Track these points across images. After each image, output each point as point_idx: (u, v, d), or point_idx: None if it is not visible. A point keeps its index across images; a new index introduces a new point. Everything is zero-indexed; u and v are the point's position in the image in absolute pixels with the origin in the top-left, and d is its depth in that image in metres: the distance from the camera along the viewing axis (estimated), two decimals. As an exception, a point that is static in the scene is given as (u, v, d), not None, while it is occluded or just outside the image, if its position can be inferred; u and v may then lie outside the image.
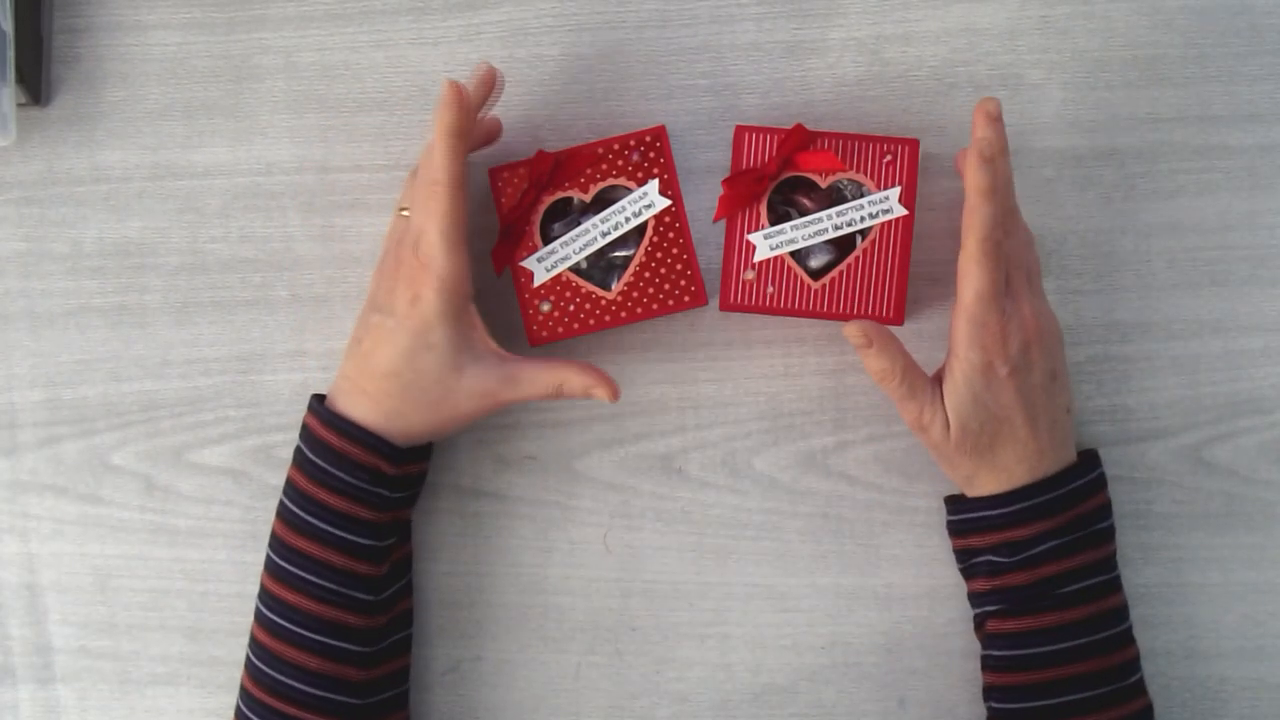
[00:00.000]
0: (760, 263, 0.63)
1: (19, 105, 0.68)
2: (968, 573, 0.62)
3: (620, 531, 0.67)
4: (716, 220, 0.64)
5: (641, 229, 0.64)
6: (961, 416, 0.58)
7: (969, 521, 0.61)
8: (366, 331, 0.61)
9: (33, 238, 0.69)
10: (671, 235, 0.63)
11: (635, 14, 0.68)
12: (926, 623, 0.66)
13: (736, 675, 0.66)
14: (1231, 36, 0.66)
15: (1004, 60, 0.67)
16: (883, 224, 0.63)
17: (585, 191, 0.64)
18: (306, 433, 0.62)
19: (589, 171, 0.64)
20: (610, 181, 0.64)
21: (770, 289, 0.63)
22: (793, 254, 0.63)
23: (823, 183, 0.63)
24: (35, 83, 0.68)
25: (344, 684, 0.60)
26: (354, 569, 0.59)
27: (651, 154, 0.64)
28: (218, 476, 0.68)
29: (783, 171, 0.63)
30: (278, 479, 0.66)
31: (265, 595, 0.61)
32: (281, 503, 0.61)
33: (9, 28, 0.65)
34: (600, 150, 0.64)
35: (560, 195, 0.64)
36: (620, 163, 0.64)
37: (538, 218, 0.64)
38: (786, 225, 0.63)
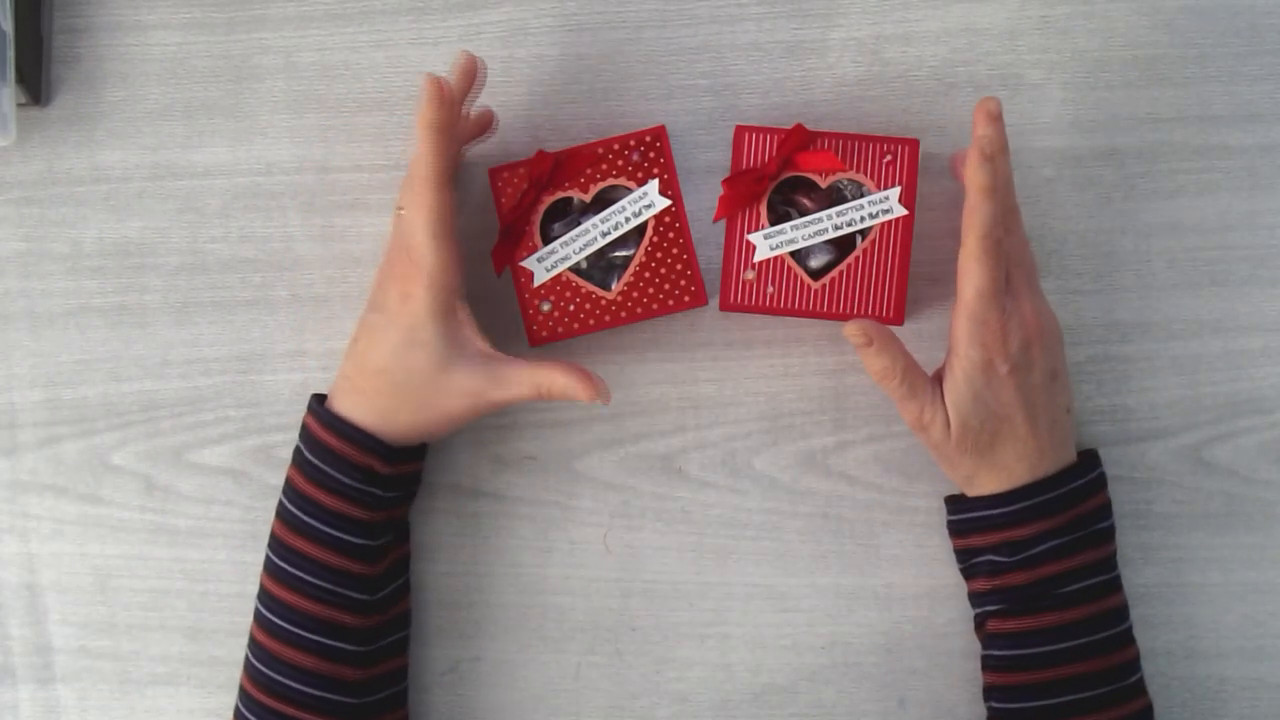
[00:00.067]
0: (760, 263, 0.63)
1: (19, 105, 0.68)
2: (968, 573, 0.62)
3: (620, 531, 0.67)
4: (716, 220, 0.64)
5: (641, 229, 0.64)
6: (962, 414, 0.58)
7: (969, 521, 0.61)
8: (363, 330, 0.61)
9: (33, 238, 0.69)
10: (671, 235, 0.63)
11: (635, 14, 0.68)
12: (926, 623, 0.66)
13: (736, 675, 0.66)
14: (1231, 36, 0.66)
15: (1004, 60, 0.67)
16: (883, 224, 0.63)
17: (585, 191, 0.64)
18: (305, 431, 0.62)
19: (589, 171, 0.64)
20: (610, 181, 0.64)
21: (770, 289, 0.63)
22: (793, 254, 0.63)
23: (823, 183, 0.63)
24: (35, 83, 0.68)
25: (340, 683, 0.60)
26: (348, 568, 0.59)
27: (651, 154, 0.64)
28: (218, 476, 0.68)
29: (783, 171, 0.63)
30: (278, 479, 0.66)
31: (264, 595, 0.61)
32: (280, 502, 0.62)
33: (9, 28, 0.65)
34: (600, 150, 0.64)
35: (560, 195, 0.64)
36: (620, 163, 0.64)
37: (538, 218, 0.64)
38: (786, 225, 0.63)
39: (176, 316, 0.69)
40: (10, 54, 0.65)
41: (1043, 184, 0.66)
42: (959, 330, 0.58)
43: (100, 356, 0.69)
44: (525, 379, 0.59)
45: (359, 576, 0.60)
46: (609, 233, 0.64)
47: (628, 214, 0.64)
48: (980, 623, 0.62)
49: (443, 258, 0.58)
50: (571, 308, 0.64)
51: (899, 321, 0.63)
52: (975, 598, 0.62)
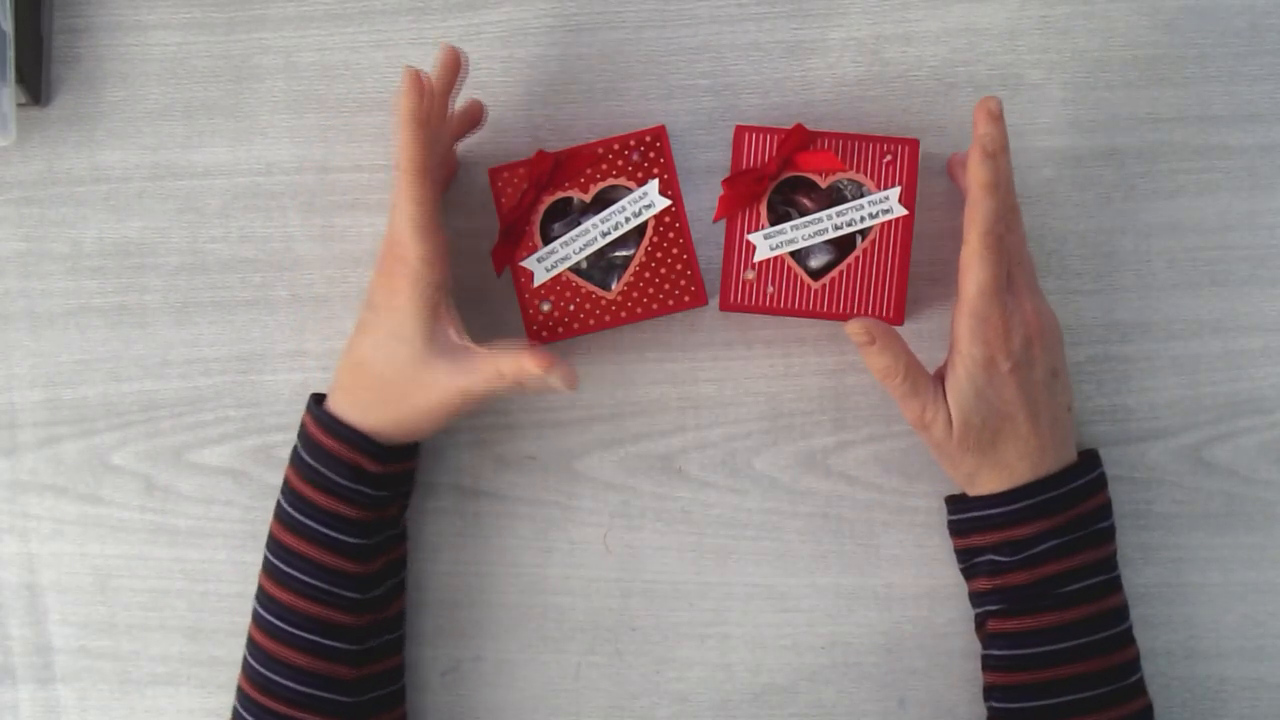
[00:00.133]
0: (760, 263, 0.63)
1: (19, 105, 0.68)
2: (969, 572, 0.62)
3: (620, 531, 0.67)
4: (716, 220, 0.64)
5: (641, 229, 0.64)
6: (964, 412, 0.58)
7: (970, 520, 0.61)
8: (356, 328, 0.61)
9: (33, 238, 0.69)
10: (671, 235, 0.63)
11: (635, 14, 0.68)
12: (926, 623, 0.66)
13: (736, 675, 0.66)
14: (1231, 36, 0.66)
15: (1004, 60, 0.67)
16: (883, 224, 0.63)
17: (585, 191, 0.64)
18: (301, 430, 0.62)
19: (589, 171, 0.64)
20: (610, 181, 0.64)
21: (770, 289, 0.63)
22: (793, 254, 0.63)
23: (823, 183, 0.63)
24: (35, 83, 0.68)
25: (335, 682, 0.60)
26: (341, 567, 0.59)
27: (651, 154, 0.64)
28: (218, 476, 0.68)
29: (783, 171, 0.63)
30: (278, 479, 0.66)
31: (261, 594, 0.61)
32: (278, 501, 0.62)
33: (9, 28, 0.65)
34: (600, 150, 0.64)
35: (560, 195, 0.64)
36: (620, 163, 0.64)
37: (538, 218, 0.64)
38: (786, 225, 0.63)
39: (176, 316, 0.69)
40: (10, 54, 0.65)
41: (1043, 184, 0.66)
42: (961, 328, 0.58)
43: (100, 356, 0.69)
44: (488, 366, 0.58)
45: (352, 575, 0.60)
46: (609, 233, 0.64)
47: (628, 214, 0.64)
48: (980, 622, 0.62)
49: (426, 250, 0.58)
50: (571, 308, 0.64)
51: (899, 321, 0.63)
52: (976, 597, 0.62)
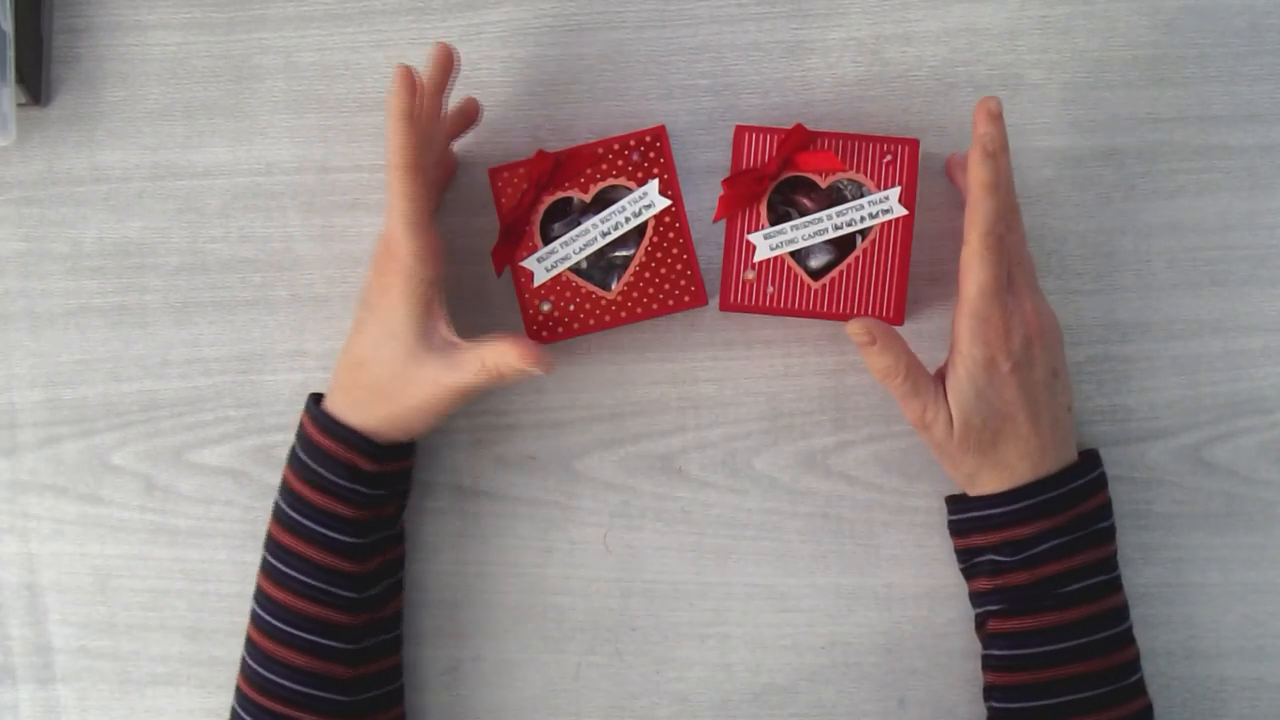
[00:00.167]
0: (760, 263, 0.63)
1: (19, 105, 0.68)
2: (969, 572, 0.62)
3: (620, 531, 0.67)
4: (716, 220, 0.64)
5: (641, 229, 0.64)
6: (964, 412, 0.58)
7: (971, 520, 0.61)
8: (352, 326, 0.61)
9: (33, 238, 0.69)
10: (671, 235, 0.63)
11: (635, 14, 0.68)
12: (926, 623, 0.66)
13: (736, 675, 0.66)
14: (1231, 36, 0.66)
15: (1004, 60, 0.67)
16: (883, 224, 0.63)
17: (585, 191, 0.64)
18: (299, 429, 0.62)
19: (589, 171, 0.64)
20: (610, 181, 0.64)
21: (770, 289, 0.63)
22: (793, 254, 0.63)
23: (823, 183, 0.63)
24: (35, 83, 0.68)
25: (331, 681, 0.60)
26: (337, 566, 0.60)
27: (651, 154, 0.64)
28: (218, 476, 0.68)
29: (783, 171, 0.63)
30: (277, 479, 0.66)
31: (258, 594, 0.61)
32: (275, 501, 0.62)
33: (9, 28, 0.65)
34: (600, 150, 0.64)
35: (560, 195, 0.64)
36: (620, 163, 0.64)
37: (538, 218, 0.64)
38: (786, 225, 0.63)
39: (176, 316, 0.69)
40: (10, 54, 0.65)
41: (1043, 184, 0.66)
42: (961, 328, 0.58)
43: (100, 356, 0.69)
44: (473, 359, 0.58)
45: (348, 574, 0.60)
46: (609, 233, 0.64)
47: (628, 214, 0.64)
48: (981, 622, 0.62)
49: (418, 246, 0.58)
50: (571, 308, 0.64)
51: (899, 321, 0.63)
52: (976, 597, 0.62)
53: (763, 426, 0.67)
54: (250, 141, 0.69)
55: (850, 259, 0.63)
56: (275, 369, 0.68)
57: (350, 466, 0.60)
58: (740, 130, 0.64)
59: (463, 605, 0.67)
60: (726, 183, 0.63)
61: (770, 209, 0.64)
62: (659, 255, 0.63)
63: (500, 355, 0.57)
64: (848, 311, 0.63)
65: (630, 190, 0.64)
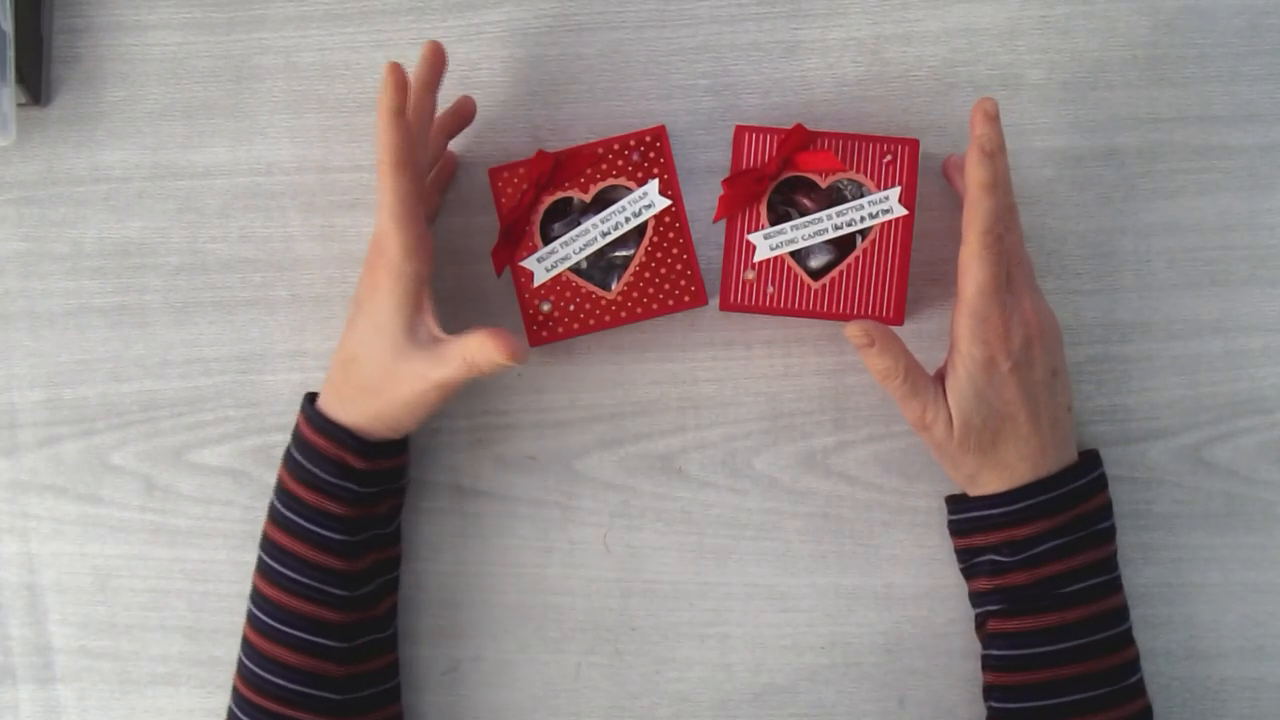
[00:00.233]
0: (760, 263, 0.63)
1: (19, 105, 0.68)
2: (969, 572, 0.62)
3: (620, 531, 0.67)
4: (716, 220, 0.64)
5: (641, 229, 0.64)
6: (964, 412, 0.58)
7: (971, 520, 0.61)
8: (345, 324, 0.61)
9: (33, 238, 0.69)
10: (671, 235, 0.63)
11: (635, 14, 0.68)
12: (926, 623, 0.66)
13: (736, 675, 0.66)
14: (1231, 36, 0.66)
15: (1004, 60, 0.67)
16: (883, 224, 0.63)
17: (585, 191, 0.64)
18: (294, 428, 0.62)
19: (589, 171, 0.64)
20: (610, 181, 0.64)
21: (770, 289, 0.63)
22: (793, 254, 0.63)
23: (823, 183, 0.63)
24: (35, 83, 0.68)
25: (324, 680, 0.60)
26: (328, 564, 0.60)
27: (651, 154, 0.64)
28: (218, 476, 0.68)
29: (783, 171, 0.63)
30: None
31: (253, 593, 0.62)
32: (271, 500, 0.62)
33: (9, 28, 0.65)
34: (600, 150, 0.64)
35: (560, 195, 0.64)
36: (620, 163, 0.64)
37: (538, 218, 0.64)
38: (786, 225, 0.63)
39: (176, 316, 0.69)
40: (10, 54, 0.65)
41: (1043, 184, 0.66)
42: (961, 328, 0.58)
43: (100, 356, 0.69)
44: (456, 353, 0.58)
45: (339, 572, 0.60)
46: (609, 233, 0.64)
47: (628, 214, 0.64)
48: (981, 622, 0.62)
49: (406, 242, 0.58)
50: (571, 308, 0.64)
51: (899, 321, 0.63)
52: (976, 597, 0.62)
53: (763, 426, 0.67)
54: (250, 141, 0.69)
55: (850, 259, 0.63)
56: (275, 369, 0.68)
57: (340, 464, 0.60)
58: (740, 130, 0.63)
59: (463, 605, 0.67)
60: (726, 183, 0.63)
61: (770, 209, 0.64)
62: (659, 255, 0.63)
63: (478, 348, 0.57)
64: (848, 311, 0.63)
65: (630, 190, 0.64)
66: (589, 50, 0.68)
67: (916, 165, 0.63)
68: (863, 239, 0.63)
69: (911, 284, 0.64)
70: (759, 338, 0.67)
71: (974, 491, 0.61)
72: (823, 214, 0.63)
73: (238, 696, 0.61)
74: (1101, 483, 0.61)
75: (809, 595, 0.66)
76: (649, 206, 0.64)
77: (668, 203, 0.63)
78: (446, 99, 0.66)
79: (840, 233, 0.63)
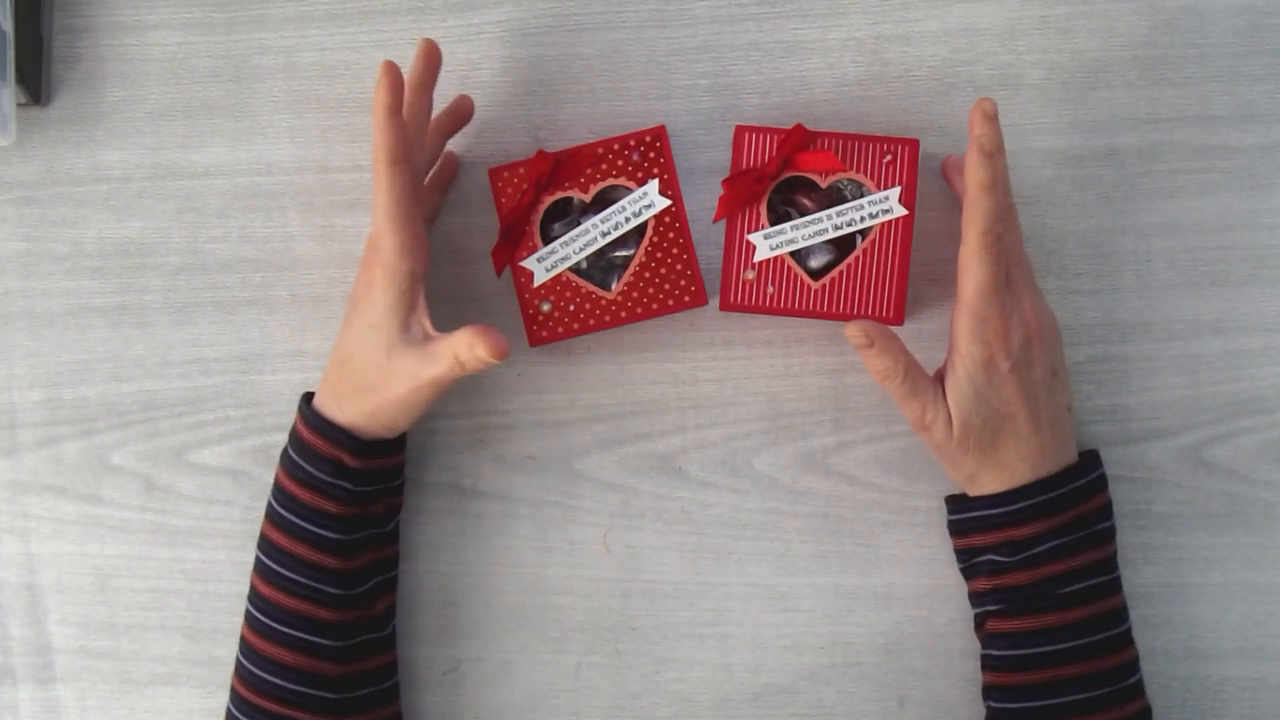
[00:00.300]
0: (760, 263, 0.63)
1: (19, 105, 0.68)
2: (969, 572, 0.62)
3: (620, 531, 0.67)
4: (716, 220, 0.64)
5: (641, 229, 0.64)
6: (964, 412, 0.58)
7: (971, 520, 0.61)
8: (341, 325, 0.61)
9: (33, 238, 0.69)
10: (671, 235, 0.63)
11: (635, 14, 0.68)
12: (926, 623, 0.66)
13: (736, 675, 0.66)
14: (1231, 36, 0.66)
15: (1004, 60, 0.67)
16: (883, 224, 0.63)
17: (585, 191, 0.64)
18: (291, 428, 0.63)
19: (589, 171, 0.64)
20: (610, 181, 0.64)
21: (770, 289, 0.63)
22: (793, 254, 0.63)
23: (823, 183, 0.63)
24: (35, 83, 0.68)
25: (321, 679, 0.60)
26: (323, 562, 0.60)
27: (651, 154, 0.64)
28: (218, 476, 0.68)
29: (783, 171, 0.63)
30: (278, 479, 0.66)
31: (251, 593, 0.62)
32: (268, 499, 0.62)
33: (9, 28, 0.65)
34: (600, 150, 0.64)
35: (560, 195, 0.64)
36: (620, 163, 0.64)
37: (538, 218, 0.64)
38: (786, 225, 0.63)
39: (176, 316, 0.69)
40: (10, 54, 0.65)
41: (1043, 184, 0.66)
42: (960, 328, 0.58)
43: (100, 356, 0.69)
44: (446, 350, 0.58)
45: (334, 571, 0.60)
46: (609, 233, 0.64)
47: (628, 214, 0.64)
48: (980, 622, 0.62)
49: (402, 240, 0.58)
50: (571, 308, 0.64)
51: (899, 321, 0.63)
52: (975, 597, 0.62)
53: (763, 426, 0.67)
54: (250, 141, 0.69)
55: (850, 259, 0.63)
56: (275, 369, 0.68)
57: (336, 463, 0.60)
58: (740, 130, 0.63)
59: (463, 605, 0.67)
60: (726, 183, 0.63)
61: (770, 209, 0.64)
62: (659, 255, 0.63)
63: (466, 346, 0.56)
64: (848, 311, 0.63)
65: (630, 190, 0.64)
66: (589, 50, 0.68)
67: (916, 165, 0.63)
68: (863, 239, 0.63)
69: (911, 284, 0.64)
70: (759, 338, 0.67)
71: (974, 491, 0.61)
72: (823, 214, 0.63)
73: (235, 696, 0.61)
74: (1101, 483, 0.61)
75: (809, 595, 0.66)
76: (649, 206, 0.64)
77: (668, 203, 0.63)
78: (446, 98, 0.66)
79: (840, 233, 0.63)
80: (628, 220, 0.64)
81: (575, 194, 0.64)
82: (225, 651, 0.68)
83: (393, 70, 0.57)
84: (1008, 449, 0.59)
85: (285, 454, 0.62)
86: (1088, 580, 0.59)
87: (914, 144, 0.63)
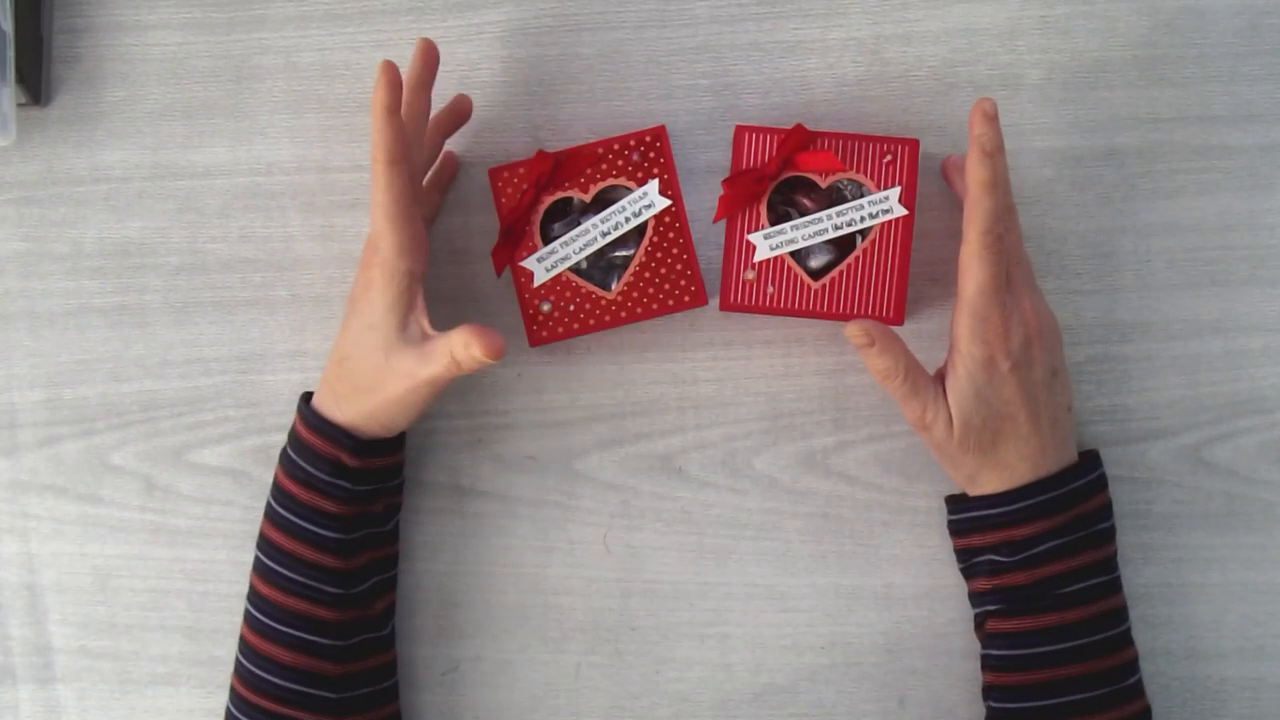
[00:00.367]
0: (760, 263, 0.63)
1: (19, 105, 0.68)
2: (968, 572, 0.62)
3: (620, 531, 0.67)
4: (716, 220, 0.64)
5: (641, 229, 0.64)
6: (964, 412, 0.58)
7: (971, 520, 0.61)
8: (340, 325, 0.61)
9: (33, 238, 0.69)
10: (671, 235, 0.63)
11: (635, 14, 0.68)
12: (926, 623, 0.66)
13: (736, 675, 0.66)
14: (1231, 36, 0.66)
15: (1004, 60, 0.67)
16: (883, 224, 0.63)
17: (585, 191, 0.64)
18: (290, 427, 0.63)
19: (589, 171, 0.64)
20: (610, 181, 0.64)
21: (770, 289, 0.63)
22: (793, 254, 0.63)
23: (823, 183, 0.63)
24: (35, 83, 0.68)
25: (320, 678, 0.60)
26: (322, 561, 0.60)
27: (651, 154, 0.64)
28: (218, 476, 0.68)
29: (783, 171, 0.63)
30: (278, 479, 0.66)
31: (250, 592, 0.62)
32: (267, 499, 0.62)
33: (9, 28, 0.65)
34: (600, 150, 0.64)
35: (560, 195, 0.64)
36: (620, 163, 0.64)
37: (538, 218, 0.64)
38: (786, 225, 0.63)
39: (176, 316, 0.69)
40: (10, 54, 0.65)
41: (1043, 184, 0.66)
42: (960, 327, 0.58)
43: (100, 356, 0.69)
44: (443, 350, 0.57)
45: (333, 570, 0.60)
46: (609, 233, 0.64)
47: (628, 214, 0.64)
48: (980, 622, 0.62)
49: (400, 240, 0.58)
50: (571, 308, 0.64)
51: (899, 321, 0.63)
52: (975, 597, 0.62)
53: (763, 426, 0.67)
54: (250, 141, 0.69)
55: (850, 259, 0.63)
56: (275, 369, 0.68)
57: (334, 462, 0.60)
58: (740, 130, 0.63)
59: (463, 605, 0.67)
60: (726, 183, 0.63)
61: (770, 209, 0.64)
62: (659, 255, 0.63)
63: (462, 346, 0.56)
64: (848, 311, 0.63)
65: (630, 190, 0.64)
66: (589, 50, 0.68)
67: (916, 165, 0.63)
68: (863, 239, 0.63)
69: (911, 284, 0.64)
70: (759, 338, 0.67)
71: (974, 491, 0.61)
72: (823, 214, 0.63)
73: (235, 696, 0.61)
74: (1101, 483, 0.61)
75: (809, 595, 0.66)
76: (649, 206, 0.64)
77: (668, 203, 0.63)
78: (445, 98, 0.66)
79: (840, 233, 0.63)
80: (628, 220, 0.64)
81: (575, 194, 0.64)
82: (225, 651, 0.68)
83: (391, 70, 0.57)
84: (1008, 449, 0.59)
85: (284, 453, 0.62)
86: (1087, 580, 0.59)
87: (914, 144, 0.63)
